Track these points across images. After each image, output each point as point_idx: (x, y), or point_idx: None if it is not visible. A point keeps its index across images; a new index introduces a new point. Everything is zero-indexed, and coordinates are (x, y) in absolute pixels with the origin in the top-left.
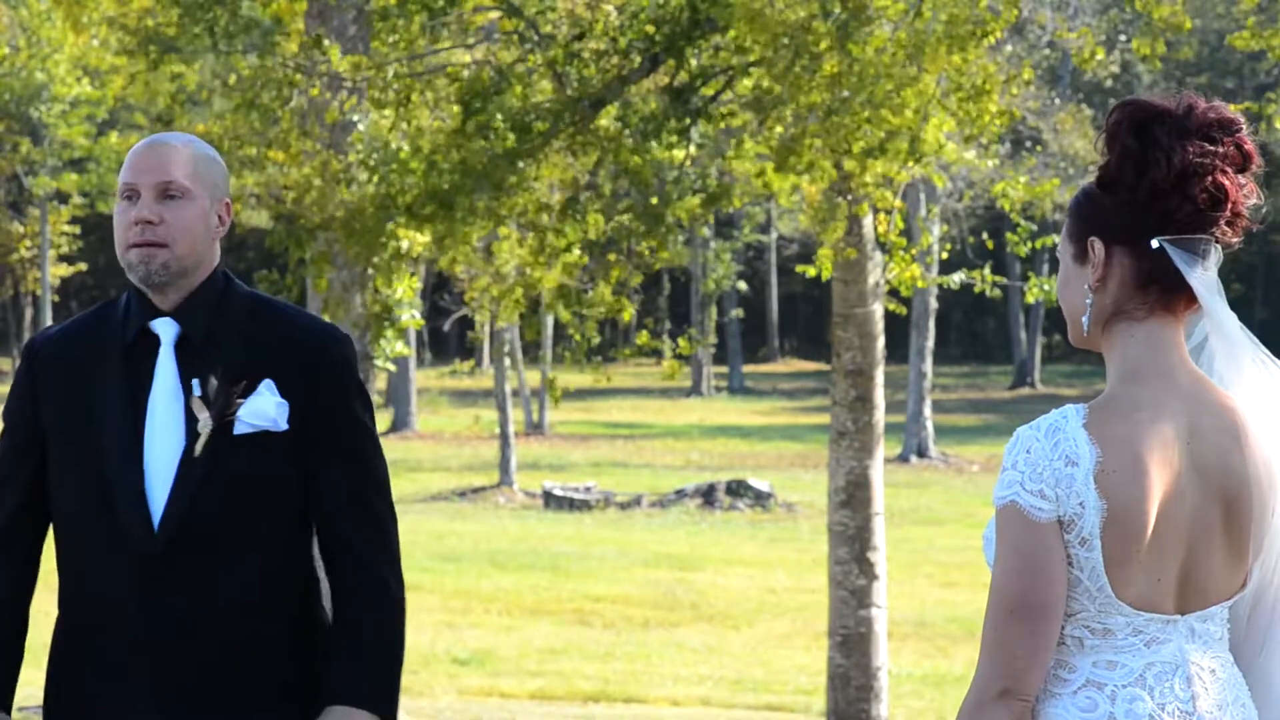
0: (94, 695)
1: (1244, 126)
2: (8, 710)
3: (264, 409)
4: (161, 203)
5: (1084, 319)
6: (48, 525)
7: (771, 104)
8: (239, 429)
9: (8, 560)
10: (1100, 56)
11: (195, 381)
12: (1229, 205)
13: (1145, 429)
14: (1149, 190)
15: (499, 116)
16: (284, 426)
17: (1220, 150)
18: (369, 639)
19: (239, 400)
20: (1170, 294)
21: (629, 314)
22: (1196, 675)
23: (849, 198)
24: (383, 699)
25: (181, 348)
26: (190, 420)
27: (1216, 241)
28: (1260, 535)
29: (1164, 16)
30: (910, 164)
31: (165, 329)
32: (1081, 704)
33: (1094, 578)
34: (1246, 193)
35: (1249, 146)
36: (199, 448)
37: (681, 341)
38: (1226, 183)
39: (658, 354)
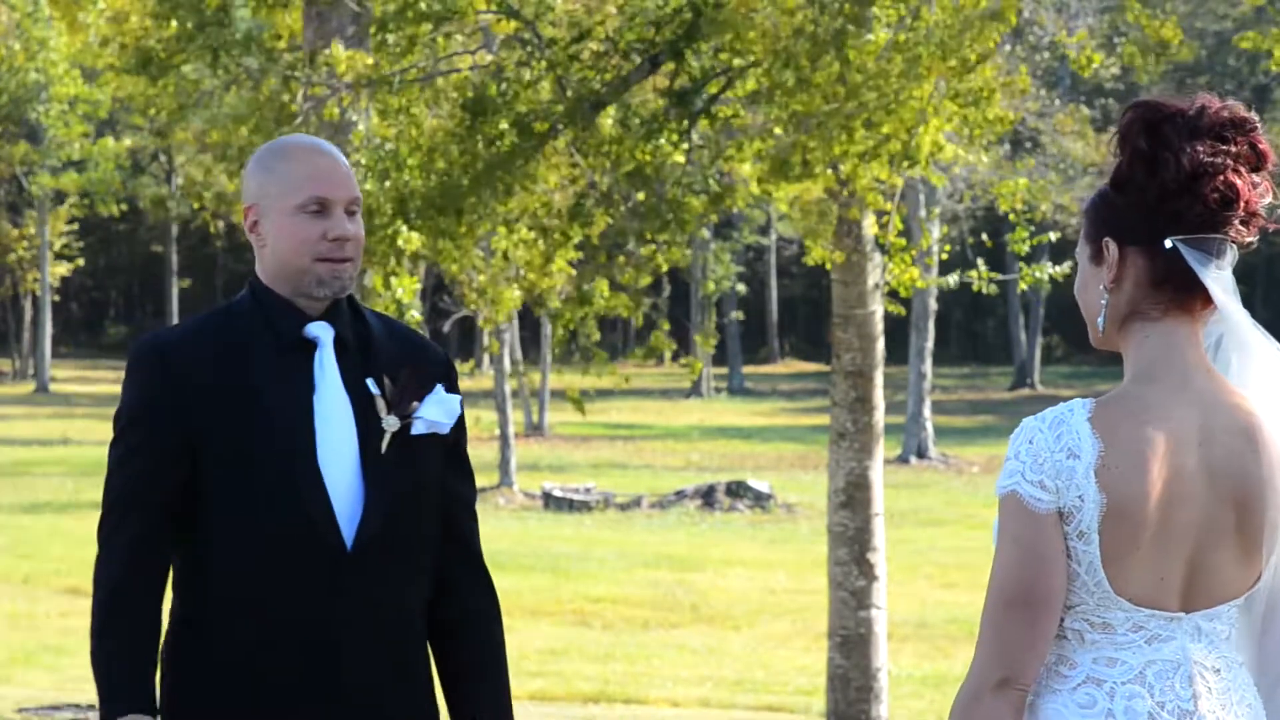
0: (255, 698)
1: (1258, 126)
2: (154, 714)
3: (451, 407)
4: (348, 219)
5: (1100, 319)
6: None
7: (769, 103)
8: (416, 429)
9: (155, 566)
10: (1097, 62)
11: (370, 381)
12: (1241, 205)
13: (1152, 428)
14: (1159, 191)
15: (501, 121)
16: (448, 430)
17: (1233, 149)
18: (501, 653)
19: (415, 402)
20: (1185, 294)
21: (629, 311)
22: (1199, 674)
23: (840, 201)
24: (512, 709)
25: (337, 351)
26: (362, 420)
27: (1231, 241)
28: (1274, 535)
29: (1155, 30)
30: (904, 167)
31: (324, 332)
32: (1080, 700)
33: (1091, 572)
34: (1261, 192)
35: (1263, 146)
36: (385, 447)
37: (699, 340)
38: (1238, 182)
39: (659, 356)
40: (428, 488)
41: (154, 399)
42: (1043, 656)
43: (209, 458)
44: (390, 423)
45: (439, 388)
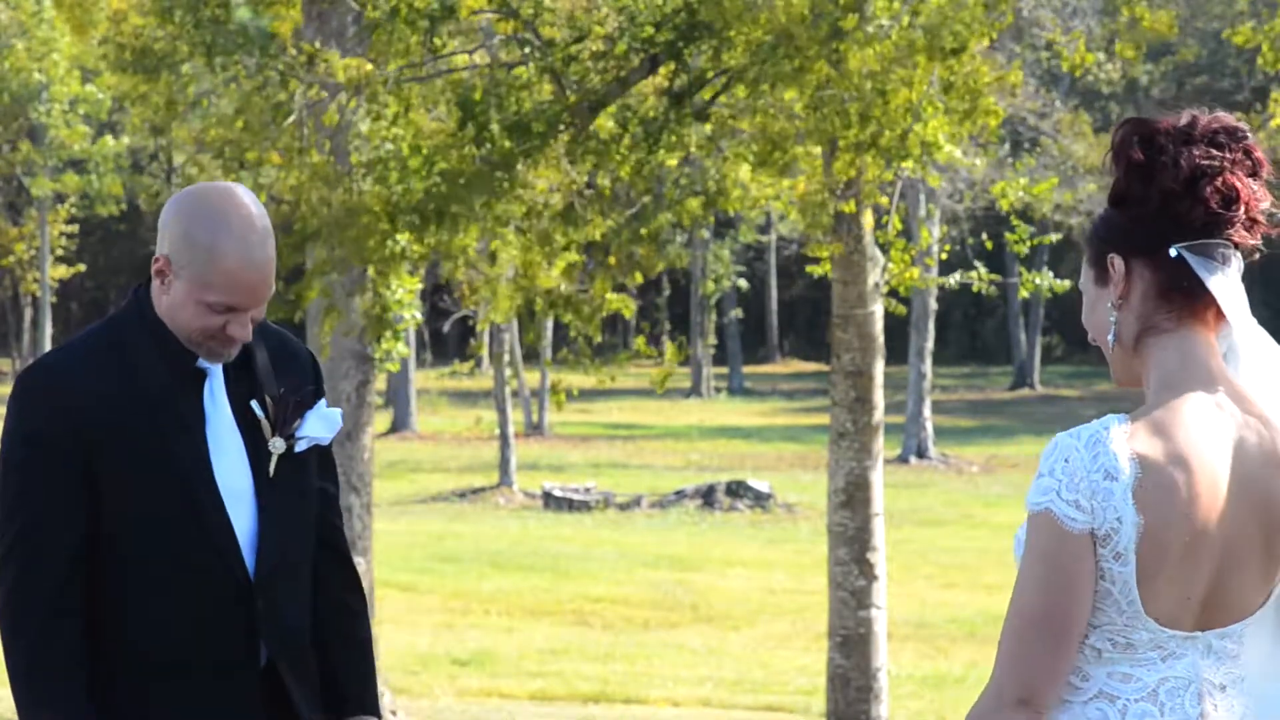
0: None
1: (1250, 135)
2: None
3: (332, 420)
4: (250, 313)
5: (1109, 338)
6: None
7: (762, 85)
8: (299, 447)
9: (76, 611)
10: (1090, 62)
11: (253, 404)
12: (1241, 206)
13: (1186, 446)
14: (1159, 197)
15: (493, 124)
16: (329, 441)
17: (1229, 155)
18: (369, 653)
19: (297, 420)
20: (1194, 301)
21: (630, 310)
22: (1208, 692)
23: (837, 193)
24: (379, 706)
25: (224, 373)
26: (251, 445)
27: (1235, 245)
28: None
29: (1150, 22)
30: (898, 163)
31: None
32: (1092, 715)
33: (1125, 591)
34: (1260, 197)
35: (1259, 154)
36: (273, 469)
37: (670, 348)
38: (1237, 183)
39: (658, 357)
40: (312, 501)
41: (48, 431)
42: (1063, 678)
43: (108, 491)
44: (277, 445)
45: (321, 402)
